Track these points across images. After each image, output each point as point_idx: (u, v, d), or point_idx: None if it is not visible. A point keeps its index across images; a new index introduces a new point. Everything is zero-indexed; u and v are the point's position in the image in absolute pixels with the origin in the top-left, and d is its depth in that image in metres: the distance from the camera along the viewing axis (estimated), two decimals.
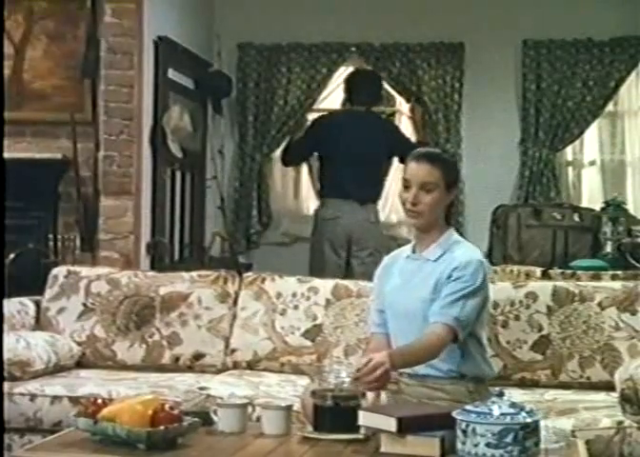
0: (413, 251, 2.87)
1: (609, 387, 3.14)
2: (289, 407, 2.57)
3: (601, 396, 3.12)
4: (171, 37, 5.59)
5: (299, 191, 6.59)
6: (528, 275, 4.65)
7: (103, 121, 5.20)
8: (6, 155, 5.93)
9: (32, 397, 3.19)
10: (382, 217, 5.78)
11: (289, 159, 5.96)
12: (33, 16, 5.37)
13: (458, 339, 2.70)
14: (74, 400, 3.13)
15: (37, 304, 3.77)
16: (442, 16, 6.31)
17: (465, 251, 2.78)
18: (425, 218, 2.77)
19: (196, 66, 6.18)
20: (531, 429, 2.16)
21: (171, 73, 5.73)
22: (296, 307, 3.54)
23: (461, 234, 2.96)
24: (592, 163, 6.42)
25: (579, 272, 4.56)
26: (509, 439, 2.13)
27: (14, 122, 5.31)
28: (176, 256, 5.91)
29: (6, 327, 3.53)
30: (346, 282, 3.62)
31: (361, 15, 6.29)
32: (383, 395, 2.67)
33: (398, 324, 2.84)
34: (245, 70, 6.45)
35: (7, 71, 5.34)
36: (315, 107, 6.41)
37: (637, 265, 5.08)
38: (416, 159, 2.80)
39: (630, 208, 5.84)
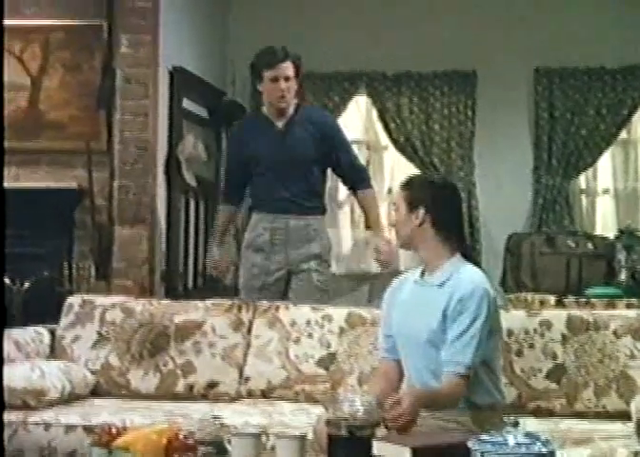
0: (421, 276, 2.88)
1: (625, 416, 3.11)
2: (303, 437, 2.56)
3: (617, 426, 3.10)
4: (186, 67, 5.65)
5: None
6: (542, 303, 4.65)
7: (118, 150, 5.25)
8: (22, 185, 5.99)
9: (47, 426, 3.19)
10: None
11: None
12: (50, 47, 5.43)
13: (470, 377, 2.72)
14: (89, 429, 3.12)
15: (52, 332, 3.78)
16: (454, 45, 6.35)
17: (469, 279, 2.78)
18: (396, 234, 2.91)
19: (210, 95, 6.23)
20: None
21: (186, 103, 5.78)
22: (310, 336, 3.53)
23: (477, 262, 2.94)
24: (606, 191, 6.42)
25: (593, 300, 4.55)
26: None
27: (31, 151, 5.38)
28: (190, 284, 5.93)
29: (21, 355, 3.54)
30: (359, 310, 3.61)
31: (373, 44, 6.34)
32: None
33: (408, 350, 2.84)
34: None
35: (23, 102, 5.41)
36: None
37: None
38: None
39: None
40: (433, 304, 2.77)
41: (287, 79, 4.11)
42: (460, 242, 2.88)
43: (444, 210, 2.83)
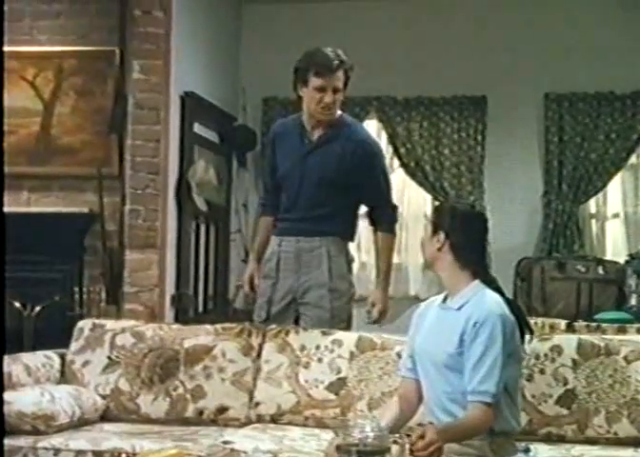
0: (444, 300, 2.90)
1: (636, 442, 3.10)
2: None
3: (629, 452, 3.07)
4: (197, 92, 5.69)
5: None
6: (552, 327, 4.63)
7: (129, 175, 5.28)
8: (34, 209, 6.00)
9: (56, 452, 3.17)
10: None
11: None
12: (63, 73, 5.48)
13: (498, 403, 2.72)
14: (98, 454, 3.11)
15: (62, 357, 3.78)
16: (464, 70, 6.38)
17: (484, 304, 2.78)
18: (423, 255, 3.05)
19: (221, 120, 6.27)
20: None
21: (197, 128, 5.81)
22: (320, 360, 3.53)
23: (499, 288, 2.92)
24: (616, 215, 6.41)
25: (604, 325, 4.54)
26: None
27: (42, 176, 5.42)
28: (200, 308, 5.94)
29: (31, 380, 3.54)
30: (370, 334, 3.60)
31: (383, 69, 6.37)
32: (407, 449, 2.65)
33: (426, 373, 2.85)
34: (269, 124, 6.52)
35: (35, 127, 5.46)
36: None
37: None
38: None
39: None
40: (451, 328, 2.79)
41: (335, 91, 3.64)
42: (481, 268, 2.88)
43: (463, 237, 2.85)
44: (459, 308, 2.80)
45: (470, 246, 2.86)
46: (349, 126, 3.81)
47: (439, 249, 2.84)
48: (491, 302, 2.80)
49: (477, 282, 2.85)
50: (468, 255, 2.84)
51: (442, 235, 2.84)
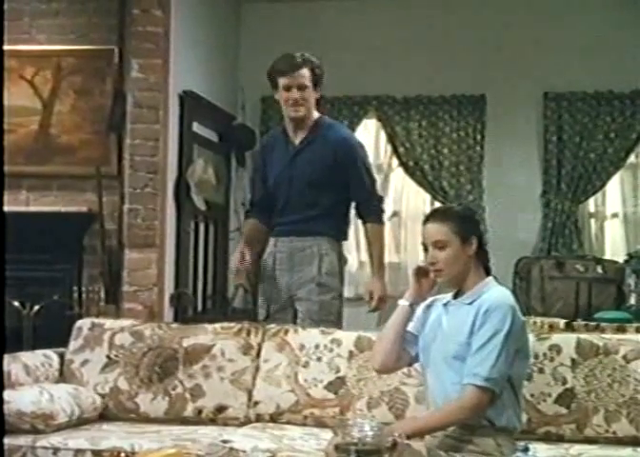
0: (455, 297, 2.89)
1: (635, 442, 3.10)
2: None
3: (627, 452, 3.07)
4: (196, 91, 5.69)
5: None
6: (551, 327, 4.63)
7: (128, 174, 5.28)
8: (33, 209, 6.00)
9: (55, 451, 3.17)
10: None
11: None
12: (62, 72, 5.48)
13: (496, 393, 2.70)
14: (97, 453, 3.11)
15: (61, 356, 3.78)
16: (463, 69, 6.38)
17: (496, 295, 2.80)
18: (446, 274, 2.83)
19: (220, 119, 6.27)
20: None
21: (196, 127, 5.81)
22: (319, 359, 3.53)
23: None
24: (615, 215, 6.42)
25: (603, 324, 4.54)
26: None
27: (41, 176, 5.42)
28: (199, 307, 5.94)
29: (30, 379, 3.54)
30: (369, 334, 3.60)
31: (383, 69, 6.37)
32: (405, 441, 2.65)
33: (433, 368, 2.85)
34: (268, 123, 6.53)
35: (34, 127, 5.45)
36: None
37: None
38: (425, 220, 2.91)
39: None
40: (463, 319, 2.80)
41: (301, 88, 3.84)
42: (488, 263, 2.91)
43: (483, 236, 2.91)
44: (471, 303, 2.81)
45: (484, 243, 2.89)
46: (328, 127, 3.98)
47: (470, 257, 2.82)
48: (504, 294, 2.83)
49: (490, 278, 2.87)
50: (485, 253, 2.87)
51: (475, 240, 2.82)
